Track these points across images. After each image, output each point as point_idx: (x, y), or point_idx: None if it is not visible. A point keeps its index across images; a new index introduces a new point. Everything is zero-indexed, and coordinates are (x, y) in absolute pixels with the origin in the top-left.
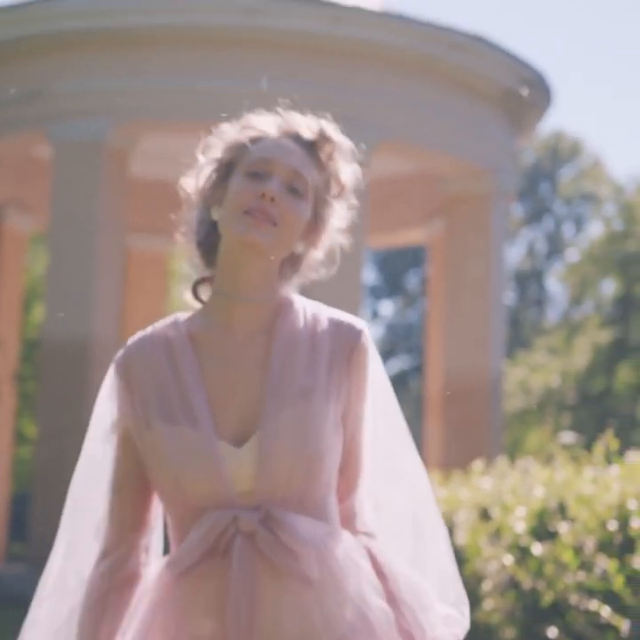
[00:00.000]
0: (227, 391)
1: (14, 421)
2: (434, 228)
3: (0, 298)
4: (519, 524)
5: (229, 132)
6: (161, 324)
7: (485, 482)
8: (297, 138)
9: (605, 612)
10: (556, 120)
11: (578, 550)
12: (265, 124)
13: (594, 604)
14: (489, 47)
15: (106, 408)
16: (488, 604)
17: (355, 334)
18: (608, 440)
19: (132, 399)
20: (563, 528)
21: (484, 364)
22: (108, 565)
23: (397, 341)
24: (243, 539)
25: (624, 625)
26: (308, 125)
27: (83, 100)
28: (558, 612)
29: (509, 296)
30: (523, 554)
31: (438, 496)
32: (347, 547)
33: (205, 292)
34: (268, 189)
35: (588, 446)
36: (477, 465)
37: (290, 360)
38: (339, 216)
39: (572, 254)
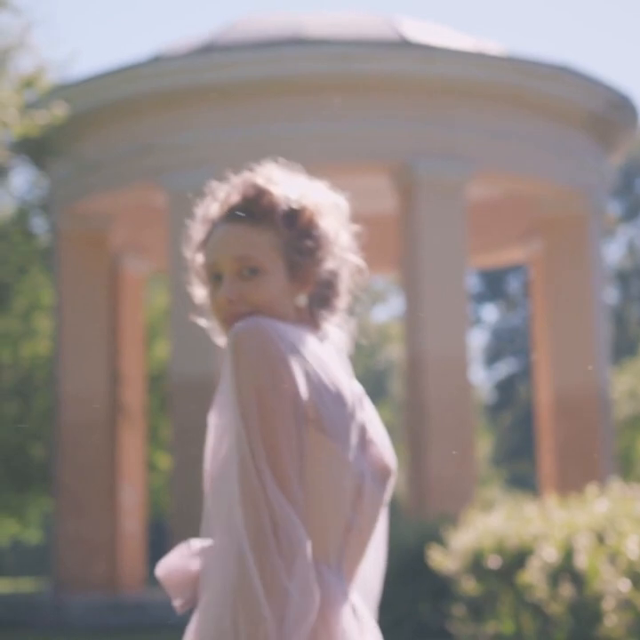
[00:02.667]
0: None
1: (145, 452)
2: (533, 248)
3: (123, 337)
4: (634, 550)
5: (203, 210)
6: None
7: (601, 504)
8: (234, 213)
9: None
10: None
11: None
12: (214, 207)
13: None
14: (574, 75)
15: None
16: (610, 621)
17: (228, 339)
18: None
19: None
20: None
21: (591, 376)
22: None
23: (503, 346)
24: None
25: None
26: (239, 192)
27: (193, 152)
28: None
29: (612, 294)
30: (638, 578)
31: (557, 520)
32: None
33: None
34: (222, 298)
35: None
36: (592, 489)
37: None
38: (330, 239)
39: None
